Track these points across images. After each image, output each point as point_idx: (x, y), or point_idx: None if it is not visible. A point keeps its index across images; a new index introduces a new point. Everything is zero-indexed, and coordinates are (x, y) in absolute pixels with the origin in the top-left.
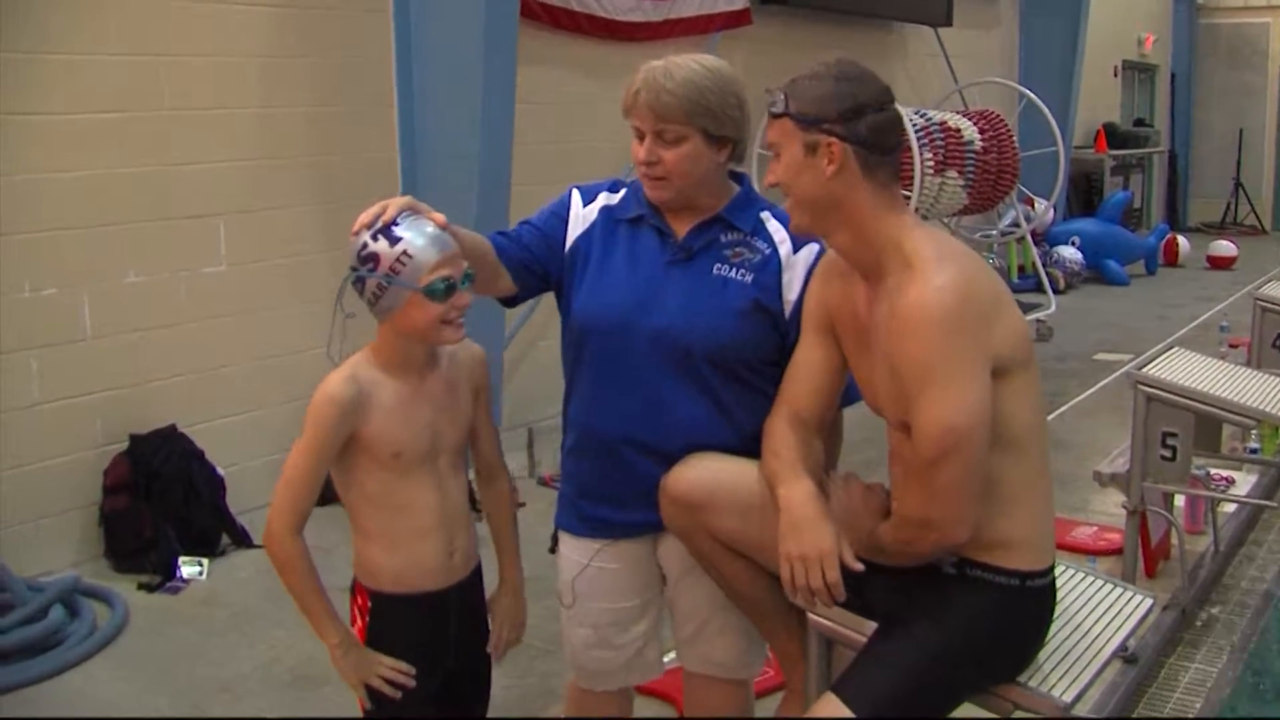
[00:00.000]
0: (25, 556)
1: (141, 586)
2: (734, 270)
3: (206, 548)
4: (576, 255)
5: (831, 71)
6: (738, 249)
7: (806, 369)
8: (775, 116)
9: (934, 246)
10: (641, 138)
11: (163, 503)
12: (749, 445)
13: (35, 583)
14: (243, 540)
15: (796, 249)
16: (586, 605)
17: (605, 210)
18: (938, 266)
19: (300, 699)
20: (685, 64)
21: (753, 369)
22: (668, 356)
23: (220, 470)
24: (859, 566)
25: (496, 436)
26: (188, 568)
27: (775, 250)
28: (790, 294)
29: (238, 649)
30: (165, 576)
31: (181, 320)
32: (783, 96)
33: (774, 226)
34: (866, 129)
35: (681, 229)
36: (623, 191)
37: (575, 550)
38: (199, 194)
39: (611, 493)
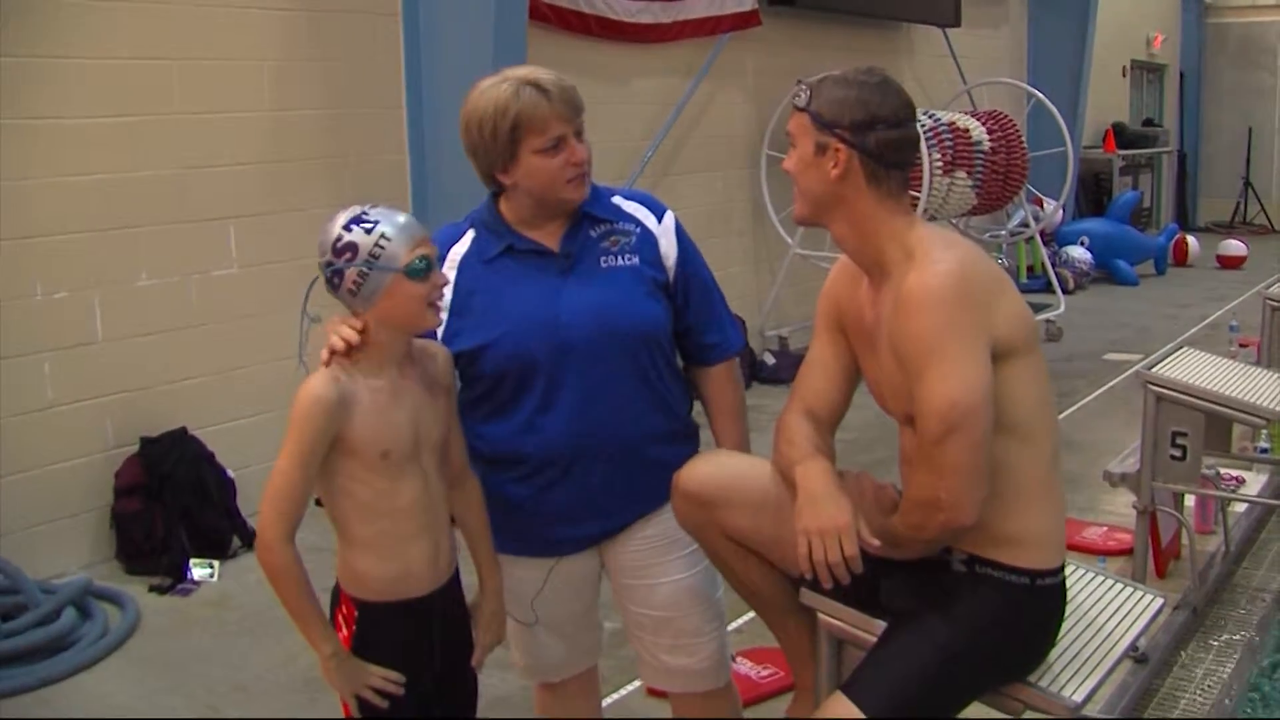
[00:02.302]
0: (37, 558)
1: (153, 588)
2: (619, 257)
3: (217, 550)
4: (456, 314)
5: (858, 79)
6: (612, 237)
7: (819, 366)
8: (797, 109)
9: (935, 238)
10: (556, 147)
11: (174, 505)
12: (682, 424)
13: (47, 585)
14: (253, 542)
15: (659, 218)
16: (549, 618)
17: (465, 260)
18: (939, 253)
19: (314, 700)
20: (536, 69)
21: (670, 344)
22: (604, 358)
23: (231, 472)
24: (876, 543)
25: (463, 439)
26: (199, 570)
27: (643, 225)
28: (669, 261)
29: (250, 650)
30: (176, 578)
31: (193, 323)
32: (807, 92)
33: (630, 206)
34: (875, 142)
35: (552, 240)
36: (469, 234)
37: (528, 569)
38: (210, 197)
39: (559, 511)
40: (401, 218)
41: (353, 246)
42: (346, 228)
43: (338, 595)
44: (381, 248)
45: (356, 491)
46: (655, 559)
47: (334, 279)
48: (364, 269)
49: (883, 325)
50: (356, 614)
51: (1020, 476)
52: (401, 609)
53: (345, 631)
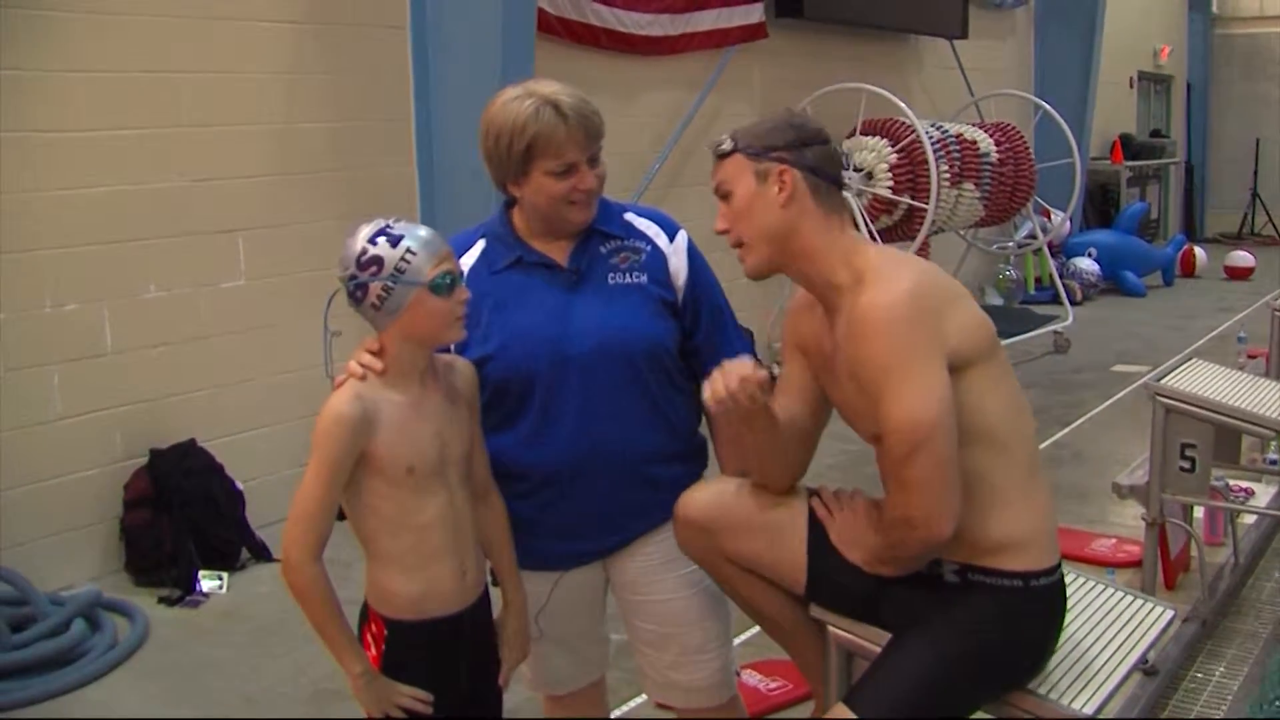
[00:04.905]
0: (47, 570)
1: (162, 600)
2: (626, 275)
3: (226, 561)
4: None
5: (775, 115)
6: (622, 254)
7: (790, 384)
8: (723, 156)
9: (882, 259)
10: (567, 171)
11: (183, 517)
12: (686, 443)
13: (57, 596)
14: (262, 554)
15: (671, 237)
16: (554, 632)
17: (474, 270)
18: (888, 272)
19: (324, 713)
20: (562, 89)
21: (675, 363)
22: (606, 374)
23: (240, 484)
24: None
25: (486, 454)
26: (208, 581)
27: (653, 244)
28: (679, 280)
29: (260, 662)
30: (185, 590)
31: (201, 335)
32: (728, 137)
33: (642, 224)
34: (813, 157)
35: (560, 255)
36: (480, 244)
37: (532, 583)
38: (219, 209)
39: (560, 526)
40: (425, 232)
41: (378, 260)
42: (371, 241)
43: (366, 613)
44: (407, 262)
45: (382, 508)
46: (658, 575)
47: (357, 293)
48: (389, 283)
49: (840, 351)
50: (385, 633)
51: (997, 483)
52: (430, 627)
53: (374, 650)
